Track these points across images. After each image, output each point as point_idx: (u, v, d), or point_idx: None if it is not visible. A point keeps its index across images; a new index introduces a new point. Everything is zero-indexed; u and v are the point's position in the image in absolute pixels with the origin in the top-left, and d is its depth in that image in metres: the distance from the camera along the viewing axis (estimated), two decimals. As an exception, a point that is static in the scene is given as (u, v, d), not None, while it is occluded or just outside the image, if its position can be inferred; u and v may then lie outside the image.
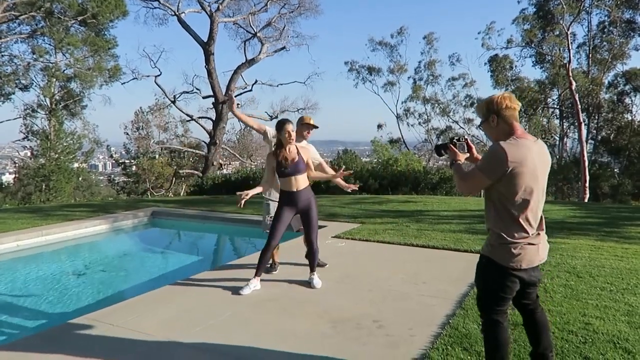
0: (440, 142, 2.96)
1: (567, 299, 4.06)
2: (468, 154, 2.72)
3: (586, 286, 4.42)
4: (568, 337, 3.26)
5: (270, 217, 4.77)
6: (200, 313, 3.87)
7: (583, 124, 25.22)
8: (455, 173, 2.61)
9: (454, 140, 2.71)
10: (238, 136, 34.16)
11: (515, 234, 2.40)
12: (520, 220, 2.39)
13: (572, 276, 4.73)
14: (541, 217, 2.52)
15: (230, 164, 32.12)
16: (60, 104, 26.60)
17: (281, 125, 4.36)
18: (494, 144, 2.41)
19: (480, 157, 2.68)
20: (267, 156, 4.56)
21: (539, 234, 2.50)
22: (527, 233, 2.41)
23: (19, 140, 26.57)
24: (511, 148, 2.32)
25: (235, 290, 4.41)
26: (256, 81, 26.23)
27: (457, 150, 2.66)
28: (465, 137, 2.76)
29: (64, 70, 25.02)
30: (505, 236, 2.40)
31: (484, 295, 2.53)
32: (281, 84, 28.17)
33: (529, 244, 2.43)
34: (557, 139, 31.62)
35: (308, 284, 4.58)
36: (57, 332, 3.49)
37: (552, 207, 10.43)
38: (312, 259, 4.60)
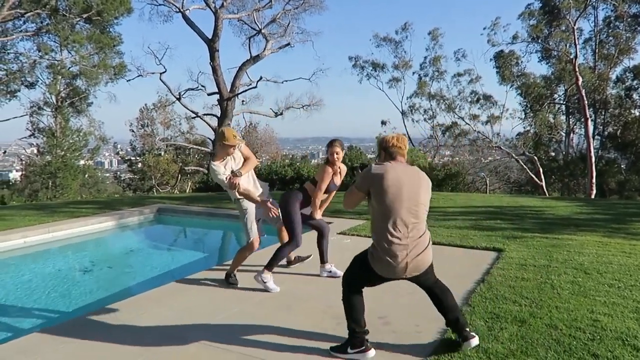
0: (361, 163, 3.47)
1: (574, 295, 4.03)
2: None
3: (594, 283, 4.39)
4: (576, 334, 3.24)
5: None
6: (206, 309, 3.88)
7: (590, 120, 25.05)
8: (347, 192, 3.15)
9: (363, 165, 3.20)
10: (243, 133, 34.18)
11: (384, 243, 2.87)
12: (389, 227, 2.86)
13: (579, 273, 4.70)
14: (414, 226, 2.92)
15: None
16: (66, 101, 26.69)
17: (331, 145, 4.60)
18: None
19: None
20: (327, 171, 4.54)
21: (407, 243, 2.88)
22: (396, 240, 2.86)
23: (26, 137, 26.67)
24: (377, 167, 2.93)
25: (240, 287, 4.42)
26: (261, 78, 26.14)
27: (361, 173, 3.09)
28: (370, 163, 3.16)
29: (70, 67, 25.08)
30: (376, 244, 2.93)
31: None
32: (286, 81, 28.09)
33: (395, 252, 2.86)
34: (564, 135, 31.39)
35: (312, 280, 4.58)
36: (64, 328, 3.51)
37: (559, 204, 10.37)
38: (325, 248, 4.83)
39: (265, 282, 4.35)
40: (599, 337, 3.19)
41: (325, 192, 4.64)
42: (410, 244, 2.86)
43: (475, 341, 2.99)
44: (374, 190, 2.89)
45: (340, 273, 4.69)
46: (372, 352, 2.99)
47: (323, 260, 4.73)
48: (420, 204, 2.91)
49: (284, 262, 5.01)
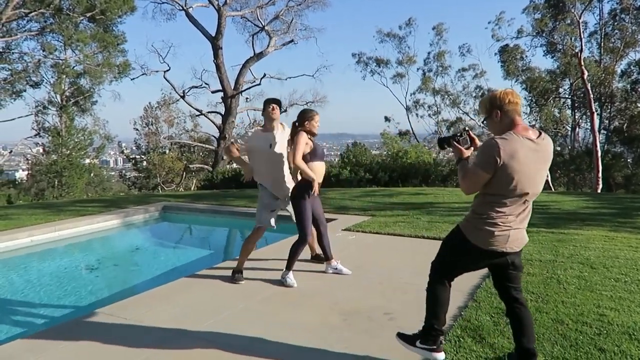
0: (443, 136, 2.92)
1: (581, 290, 4.02)
2: (472, 148, 2.70)
3: (600, 277, 4.37)
4: (582, 328, 3.23)
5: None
6: (212, 306, 3.89)
7: (595, 114, 24.87)
8: (459, 171, 2.61)
9: (457, 137, 2.68)
10: (247, 130, 34.19)
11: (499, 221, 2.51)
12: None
13: (585, 267, 4.68)
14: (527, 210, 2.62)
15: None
16: (70, 100, 26.80)
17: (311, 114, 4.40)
18: (488, 139, 2.47)
19: None
20: (301, 136, 4.29)
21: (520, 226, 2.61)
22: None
23: (31, 137, 26.83)
24: (504, 143, 2.39)
25: (247, 284, 4.43)
26: (265, 75, 26.18)
27: (461, 147, 2.65)
28: (467, 129, 2.76)
29: (74, 66, 25.15)
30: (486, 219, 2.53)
31: None
32: (290, 78, 28.13)
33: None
34: (569, 129, 31.23)
35: (318, 277, 4.58)
36: (70, 326, 3.53)
37: (565, 198, 10.32)
38: (327, 245, 4.70)
39: (285, 278, 4.39)
40: (605, 331, 3.17)
41: (318, 159, 4.35)
42: (521, 226, 2.62)
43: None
44: (501, 172, 2.40)
45: (347, 271, 4.67)
46: (441, 355, 2.76)
47: (327, 257, 4.72)
48: (541, 183, 2.56)
49: (307, 256, 5.02)
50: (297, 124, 4.40)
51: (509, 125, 2.51)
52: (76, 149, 26.50)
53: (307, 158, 4.30)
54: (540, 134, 2.54)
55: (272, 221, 4.63)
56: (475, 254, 2.61)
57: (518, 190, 2.45)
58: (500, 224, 2.51)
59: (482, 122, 29.83)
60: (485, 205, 2.54)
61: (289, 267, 4.42)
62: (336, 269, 4.71)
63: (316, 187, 4.27)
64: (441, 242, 2.91)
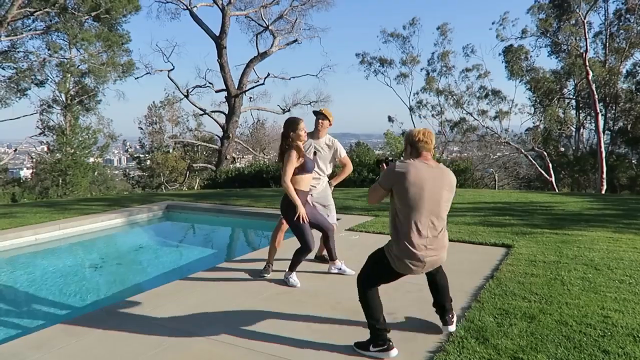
0: (377, 158, 3.55)
1: (585, 291, 4.01)
2: None
3: (604, 279, 4.35)
4: (586, 330, 3.22)
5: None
6: (215, 305, 3.90)
7: (600, 115, 24.79)
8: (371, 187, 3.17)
9: (387, 159, 3.30)
10: (251, 130, 34.27)
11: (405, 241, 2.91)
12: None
13: (590, 269, 4.67)
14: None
15: (243, 157, 32.26)
16: (75, 99, 26.90)
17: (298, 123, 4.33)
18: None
19: None
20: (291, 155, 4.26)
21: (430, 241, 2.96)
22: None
23: (36, 135, 26.95)
24: (400, 165, 2.93)
25: (250, 283, 4.44)
26: (268, 74, 26.19)
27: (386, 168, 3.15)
28: (392, 158, 3.29)
29: (79, 65, 25.26)
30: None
31: None
32: (294, 77, 28.14)
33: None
34: (574, 129, 31.13)
35: (321, 277, 4.58)
36: (74, 324, 3.54)
37: (569, 199, 10.29)
38: (332, 246, 4.70)
39: (288, 278, 4.41)
40: (609, 333, 3.16)
41: (307, 173, 4.30)
42: (429, 244, 2.91)
43: (452, 328, 3.25)
44: (396, 188, 2.90)
45: (350, 271, 4.68)
46: (394, 352, 2.97)
47: (332, 258, 4.72)
48: (442, 203, 2.93)
49: (311, 256, 5.03)
50: (284, 136, 4.29)
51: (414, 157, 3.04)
52: (80, 147, 26.60)
53: (295, 172, 4.23)
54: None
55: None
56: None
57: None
58: None
59: (484, 125, 29.71)
60: None
61: (292, 268, 4.43)
62: (340, 269, 4.72)
63: (302, 214, 4.16)
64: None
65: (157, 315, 3.67)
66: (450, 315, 3.28)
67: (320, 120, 4.81)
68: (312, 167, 4.40)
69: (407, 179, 2.85)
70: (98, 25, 24.22)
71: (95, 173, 29.65)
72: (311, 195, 4.60)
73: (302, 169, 4.25)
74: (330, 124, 4.86)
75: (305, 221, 4.19)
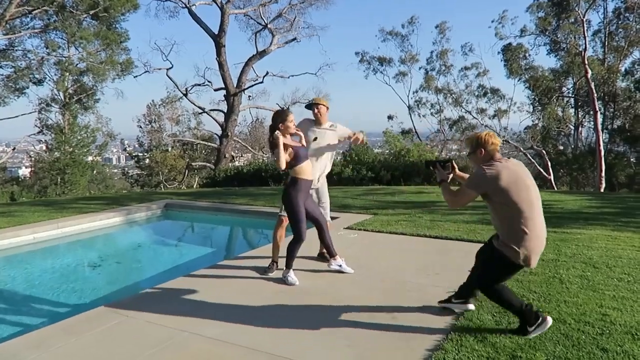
0: (428, 160, 3.61)
1: (583, 290, 4.01)
2: (452, 174, 3.48)
3: (603, 277, 4.36)
4: (585, 328, 3.22)
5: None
6: (214, 304, 3.90)
7: (599, 113, 24.79)
8: (444, 190, 3.34)
9: (442, 162, 3.42)
10: (250, 128, 34.22)
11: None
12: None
13: (588, 267, 4.67)
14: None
15: (242, 156, 32.21)
16: (73, 97, 26.83)
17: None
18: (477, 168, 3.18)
19: (462, 174, 3.51)
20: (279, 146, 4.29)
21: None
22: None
23: (34, 134, 26.86)
24: (489, 170, 3.08)
25: (249, 282, 4.44)
26: (267, 73, 26.14)
27: (443, 171, 3.41)
28: (451, 160, 3.47)
29: (77, 64, 25.17)
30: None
31: None
32: (292, 76, 28.07)
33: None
34: (572, 128, 31.13)
35: (320, 275, 4.58)
36: (74, 323, 3.54)
37: (568, 197, 10.30)
38: (329, 242, 4.69)
39: (286, 277, 4.41)
40: (608, 331, 3.17)
41: (302, 162, 4.31)
42: (544, 230, 3.12)
43: (471, 306, 3.55)
44: (495, 192, 3.05)
45: (350, 270, 4.66)
46: (549, 320, 3.12)
47: (331, 254, 4.69)
48: (538, 194, 3.13)
49: (313, 254, 5.07)
50: (272, 129, 4.33)
51: (487, 159, 3.20)
52: (79, 146, 26.53)
53: (292, 164, 4.29)
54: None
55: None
56: None
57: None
58: None
59: (482, 124, 29.70)
60: None
61: (288, 265, 4.43)
62: (340, 266, 4.69)
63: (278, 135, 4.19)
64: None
65: (156, 314, 3.67)
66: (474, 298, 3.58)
67: (316, 110, 4.88)
68: (306, 154, 4.42)
69: (503, 180, 3.01)
70: (96, 23, 24.14)
71: (94, 172, 29.58)
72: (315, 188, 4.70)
73: (296, 159, 4.28)
74: (327, 109, 4.97)
75: (298, 209, 4.26)
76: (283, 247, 4.78)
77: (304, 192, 4.35)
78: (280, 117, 4.33)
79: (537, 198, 3.11)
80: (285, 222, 4.77)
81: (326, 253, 4.88)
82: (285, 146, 4.23)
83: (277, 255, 4.82)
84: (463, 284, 3.58)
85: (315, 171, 4.73)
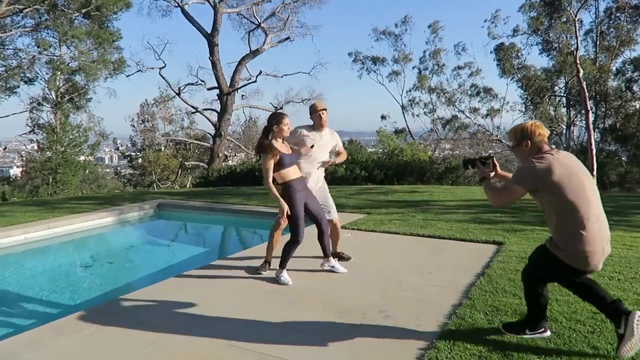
0: (467, 158, 3.37)
1: (574, 288, 4.03)
2: (493, 172, 3.18)
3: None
4: (576, 326, 3.24)
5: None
6: (207, 304, 3.88)
7: (590, 112, 24.95)
8: (487, 189, 3.05)
9: (483, 159, 3.18)
10: (243, 128, 34.18)
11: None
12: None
13: (579, 265, 4.69)
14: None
15: (235, 155, 32.17)
16: (65, 97, 26.65)
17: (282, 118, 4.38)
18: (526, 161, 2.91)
19: (504, 173, 3.22)
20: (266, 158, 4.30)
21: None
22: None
23: (26, 133, 26.66)
24: (539, 163, 2.80)
25: (242, 282, 4.44)
26: (260, 72, 26.12)
27: (485, 169, 3.14)
28: (492, 157, 3.20)
29: (69, 63, 25.01)
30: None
31: None
32: (286, 75, 28.06)
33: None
34: (564, 127, 31.31)
35: (313, 275, 4.58)
36: (66, 323, 3.51)
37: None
38: (327, 242, 4.67)
39: (279, 277, 4.41)
40: (598, 329, 3.19)
41: (285, 168, 4.29)
42: (603, 230, 2.81)
43: (548, 333, 3.11)
44: (546, 187, 2.77)
45: (342, 270, 4.65)
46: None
47: (326, 255, 4.67)
48: (595, 188, 2.86)
49: (312, 253, 5.07)
50: (266, 130, 4.35)
51: (535, 151, 2.93)
52: (71, 145, 26.35)
53: (275, 168, 4.29)
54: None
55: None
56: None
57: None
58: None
59: (475, 123, 29.81)
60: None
61: (282, 265, 4.42)
62: (333, 267, 4.69)
63: (284, 210, 4.19)
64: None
65: (148, 315, 3.66)
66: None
67: (324, 116, 4.82)
68: (290, 161, 4.39)
69: (556, 174, 2.74)
70: (88, 22, 24.02)
71: (86, 171, 29.40)
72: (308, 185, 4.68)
73: (280, 165, 4.28)
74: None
75: (297, 212, 4.26)
76: (278, 249, 4.78)
77: (300, 191, 4.33)
78: (275, 119, 4.34)
79: (594, 194, 2.80)
80: (284, 224, 4.73)
81: (341, 252, 5.03)
82: (275, 149, 4.24)
83: (270, 256, 4.82)
84: (529, 312, 3.12)
85: (313, 173, 4.75)
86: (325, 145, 4.87)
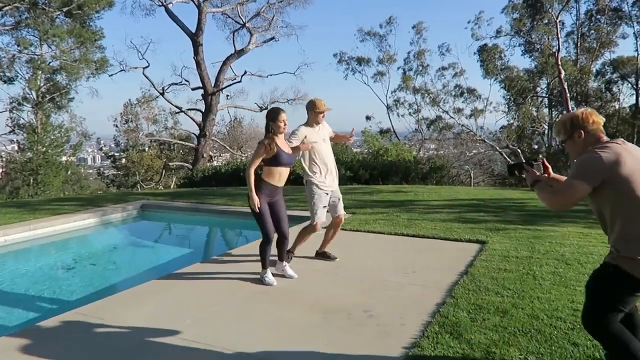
0: (512, 162, 2.87)
1: (555, 286, 4.10)
2: (545, 175, 2.71)
3: (574, 273, 4.46)
4: (557, 323, 3.29)
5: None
6: (191, 306, 3.86)
7: (555, 121, 25.35)
8: (541, 191, 2.50)
9: (531, 162, 2.73)
10: (228, 128, 33.99)
11: None
12: None
13: (560, 263, 4.78)
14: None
15: (220, 155, 32.00)
16: (46, 96, 26.22)
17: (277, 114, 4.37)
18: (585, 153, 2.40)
19: (558, 176, 2.74)
20: (260, 148, 4.38)
21: None
22: None
23: (5, 134, 26.18)
24: (604, 152, 2.30)
25: (226, 283, 4.42)
26: (245, 72, 26.08)
27: (535, 171, 2.65)
28: (542, 158, 2.79)
29: (50, 62, 24.63)
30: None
31: None
32: (271, 75, 28.03)
33: None
34: (546, 127, 31.74)
35: (299, 275, 4.58)
36: (47, 327, 3.46)
37: (541, 196, 10.51)
38: (285, 248, 4.64)
39: (264, 277, 4.39)
40: (579, 326, 3.23)
41: (280, 166, 4.34)
42: None
43: None
44: (613, 182, 2.25)
45: (293, 275, 4.55)
46: None
47: (280, 258, 4.61)
48: None
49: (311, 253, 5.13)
50: (266, 126, 4.38)
51: (592, 142, 2.44)
52: (52, 146, 25.91)
53: (268, 162, 4.32)
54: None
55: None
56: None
57: None
58: None
59: (459, 123, 30.08)
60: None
61: (264, 266, 4.42)
62: (283, 270, 4.60)
63: (255, 202, 4.22)
64: None
65: (132, 316, 3.62)
66: None
67: (323, 117, 4.85)
68: (288, 161, 4.40)
69: (627, 165, 2.24)
70: (70, 21, 23.67)
71: (69, 172, 28.94)
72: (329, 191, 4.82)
73: (274, 161, 4.30)
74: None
75: (262, 210, 4.27)
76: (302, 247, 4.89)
77: (267, 195, 4.33)
78: (271, 115, 4.37)
79: None
80: (318, 228, 4.84)
81: (328, 253, 5.12)
82: (272, 147, 4.26)
83: (294, 247, 4.97)
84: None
85: (330, 165, 4.85)
86: (326, 138, 4.93)
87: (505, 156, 28.82)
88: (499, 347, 2.95)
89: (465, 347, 2.97)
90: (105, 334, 3.33)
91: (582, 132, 2.45)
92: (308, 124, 4.80)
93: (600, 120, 2.47)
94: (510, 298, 3.80)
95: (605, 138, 2.43)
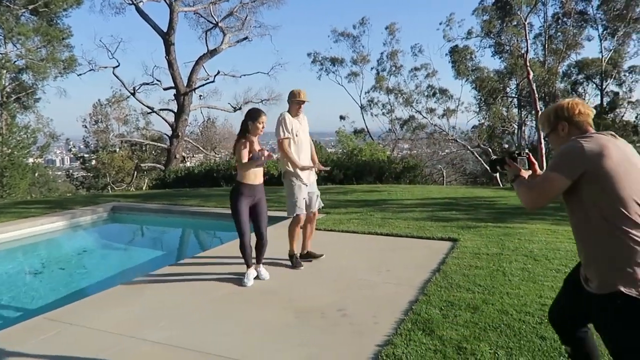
0: (495, 157, 2.59)
1: (524, 281, 4.20)
2: (530, 171, 2.39)
3: (542, 269, 4.58)
4: (525, 318, 3.37)
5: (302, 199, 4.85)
6: (164, 308, 3.81)
7: (540, 113, 25.98)
8: (518, 187, 2.22)
9: (514, 155, 2.41)
10: (201, 128, 33.61)
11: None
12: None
13: (529, 259, 4.89)
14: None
15: (193, 156, 31.59)
16: (11, 96, 25.43)
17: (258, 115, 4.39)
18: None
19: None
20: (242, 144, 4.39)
21: None
22: None
23: (-32, 135, 25.29)
24: (587, 142, 1.98)
25: (201, 284, 4.37)
26: (218, 72, 25.81)
27: (518, 166, 2.34)
28: (527, 152, 2.44)
29: (15, 61, 23.87)
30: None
31: None
32: (244, 75, 27.84)
33: None
34: (516, 127, 32.47)
35: (275, 276, 4.57)
36: (12, 333, 3.36)
37: (511, 194, 10.73)
38: (263, 251, 4.61)
39: (245, 277, 4.39)
40: (546, 320, 3.32)
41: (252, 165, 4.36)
42: None
43: None
44: (596, 176, 1.91)
45: (266, 276, 4.53)
46: None
47: (258, 261, 4.58)
48: None
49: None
50: (242, 123, 4.41)
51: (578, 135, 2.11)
52: (18, 147, 25.15)
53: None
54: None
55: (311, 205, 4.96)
56: None
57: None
58: None
59: (432, 123, 30.52)
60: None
61: (246, 264, 4.43)
62: (260, 273, 4.57)
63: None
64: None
65: (100, 321, 3.54)
66: None
67: (302, 106, 4.92)
68: (259, 162, 4.39)
69: (612, 158, 1.91)
70: (36, 19, 23.02)
71: (36, 174, 28.15)
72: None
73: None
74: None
75: (239, 209, 4.30)
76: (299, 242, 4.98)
77: (247, 196, 4.36)
78: (252, 115, 4.38)
79: None
80: (302, 219, 4.85)
81: (313, 252, 5.15)
82: (250, 144, 4.29)
83: (294, 249, 4.94)
84: None
85: (307, 159, 4.91)
86: (305, 129, 4.99)
87: (477, 155, 29.35)
88: (470, 343, 3.01)
89: (438, 343, 3.02)
90: (74, 339, 3.26)
91: (567, 124, 2.15)
92: (290, 113, 4.88)
93: (589, 111, 2.15)
94: (480, 294, 3.87)
95: (593, 131, 2.11)
